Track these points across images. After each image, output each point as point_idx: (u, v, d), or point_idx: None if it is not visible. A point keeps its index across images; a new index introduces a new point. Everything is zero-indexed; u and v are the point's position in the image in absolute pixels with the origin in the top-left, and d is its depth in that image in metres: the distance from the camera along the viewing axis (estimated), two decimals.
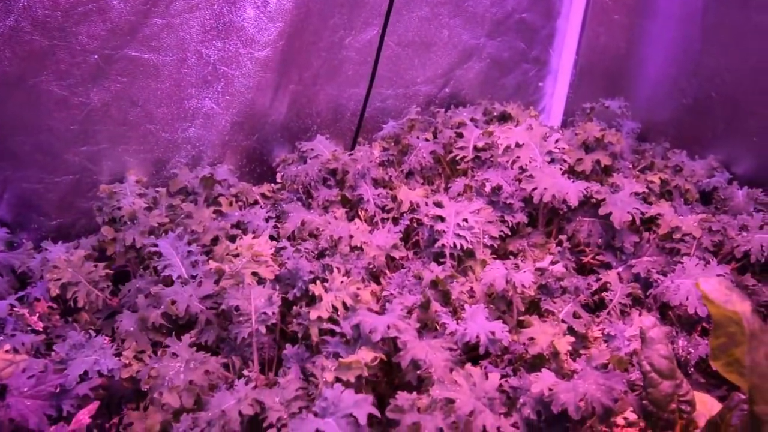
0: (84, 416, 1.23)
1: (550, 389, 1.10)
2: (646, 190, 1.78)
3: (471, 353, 1.32)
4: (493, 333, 1.21)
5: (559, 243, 1.65)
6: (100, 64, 1.72)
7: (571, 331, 1.37)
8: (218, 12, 1.81)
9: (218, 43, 1.85)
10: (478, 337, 1.21)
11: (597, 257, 1.68)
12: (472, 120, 2.08)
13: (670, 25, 2.16)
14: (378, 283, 1.56)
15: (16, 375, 1.27)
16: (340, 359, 1.17)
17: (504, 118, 2.16)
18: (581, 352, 1.34)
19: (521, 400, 1.13)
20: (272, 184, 1.97)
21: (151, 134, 1.86)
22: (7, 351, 1.32)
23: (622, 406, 1.15)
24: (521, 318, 1.35)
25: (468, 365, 1.17)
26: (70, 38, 1.66)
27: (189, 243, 1.54)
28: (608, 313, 1.50)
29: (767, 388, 0.82)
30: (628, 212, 1.60)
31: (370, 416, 1.04)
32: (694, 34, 2.10)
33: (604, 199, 1.63)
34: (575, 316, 1.43)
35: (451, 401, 1.09)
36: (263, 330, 1.32)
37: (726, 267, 1.48)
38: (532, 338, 1.23)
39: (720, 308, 0.82)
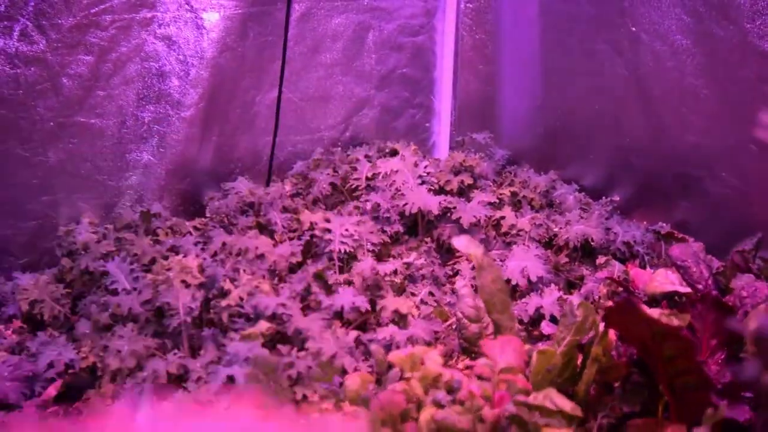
0: (52, 390, 1.62)
1: (390, 335, 1.54)
2: (497, 200, 2.27)
3: (346, 325, 1.75)
4: (354, 303, 1.65)
5: (426, 244, 2.11)
6: (55, 129, 2.16)
7: (424, 303, 1.82)
8: (149, 83, 2.27)
9: (151, 107, 2.30)
10: (343, 306, 1.65)
11: (457, 254, 2.15)
12: (366, 157, 2.56)
13: (518, 71, 2.70)
14: (282, 281, 1.99)
15: None
16: (241, 332, 1.60)
17: (394, 153, 2.65)
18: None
19: (372, 347, 1.56)
20: (203, 219, 2.40)
21: (100, 184, 2.29)
22: None
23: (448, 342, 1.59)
24: (384, 295, 1.80)
25: (335, 326, 1.61)
26: (30, 110, 2.10)
27: (131, 263, 1.96)
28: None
29: (496, 302, 1.28)
30: (474, 216, 2.08)
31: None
32: (537, 78, 2.64)
33: (455, 207, 2.11)
34: (430, 294, 1.89)
35: (320, 349, 1.52)
36: (189, 320, 1.74)
37: (541, 249, 1.97)
38: (383, 307, 1.68)
39: (466, 254, 1.29)
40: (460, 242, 1.28)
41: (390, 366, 1.31)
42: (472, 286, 1.93)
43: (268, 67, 2.48)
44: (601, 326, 1.26)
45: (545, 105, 2.66)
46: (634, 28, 2.20)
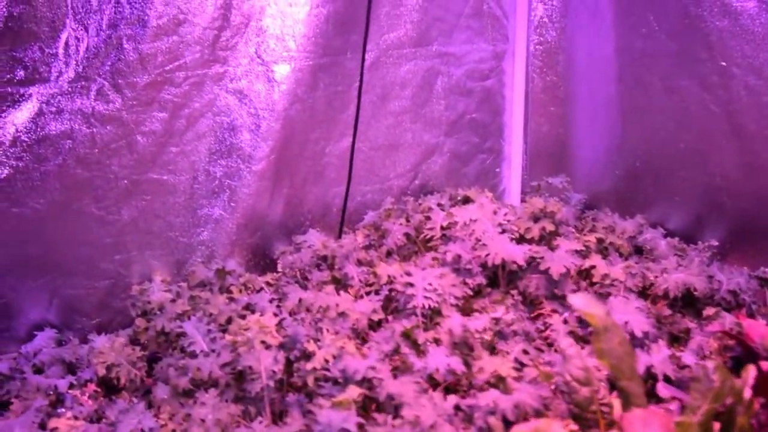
0: None
1: (494, 402, 1.42)
2: (584, 248, 2.14)
3: (440, 387, 1.64)
4: (449, 365, 1.54)
5: (512, 297, 1.99)
6: (128, 187, 2.14)
7: (519, 363, 1.70)
8: (221, 137, 2.25)
9: (222, 162, 2.27)
10: (437, 369, 1.54)
11: (546, 306, 2.02)
12: (438, 205, 2.47)
13: (594, 111, 2.60)
14: (364, 341, 1.89)
15: None
16: (332, 399, 1.50)
17: (466, 200, 2.55)
18: None
19: (475, 415, 1.44)
20: (275, 273, 2.34)
21: (172, 240, 2.25)
22: (68, 418, 1.65)
23: (556, 408, 1.45)
24: (475, 355, 1.68)
25: (431, 391, 1.50)
26: (104, 169, 2.09)
27: (208, 324, 1.89)
28: (555, 350, 1.83)
29: (624, 368, 1.15)
30: (564, 266, 1.95)
31: None
32: (616, 117, 2.53)
33: (543, 257, 1.99)
34: (524, 352, 1.76)
35: (417, 417, 1.41)
36: (272, 384, 1.65)
37: (642, 301, 1.82)
38: (481, 368, 1.56)
39: (585, 314, 1.17)
40: (579, 302, 1.17)
41: None
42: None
43: (338, 117, 2.44)
44: (747, 392, 1.12)
45: (624, 146, 2.54)
46: (724, 63, 2.08)
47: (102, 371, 1.84)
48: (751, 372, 1.13)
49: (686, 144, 2.32)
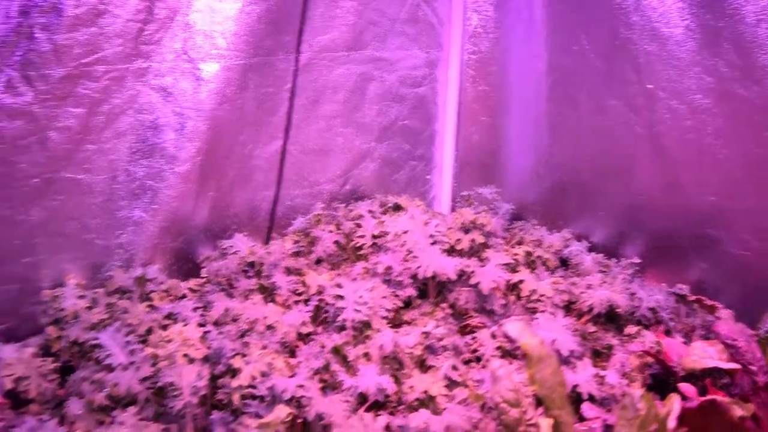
0: None
1: (425, 423, 1.41)
2: (513, 261, 2.17)
3: (371, 405, 1.61)
4: (379, 384, 1.52)
5: (442, 310, 1.99)
6: (39, 186, 1.99)
7: (448, 380, 1.69)
8: (143, 136, 2.13)
9: (144, 162, 2.15)
10: (367, 388, 1.51)
11: (475, 320, 2.03)
12: (369, 212, 2.44)
13: (524, 124, 2.64)
14: (293, 355, 1.84)
15: None
16: (259, 419, 1.44)
17: (397, 208, 2.53)
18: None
19: None
20: (199, 279, 2.24)
21: (87, 243, 2.12)
22: None
23: (485, 429, 1.46)
24: (405, 372, 1.67)
25: (361, 411, 1.47)
26: (13, 166, 1.93)
27: (126, 334, 1.79)
28: (483, 366, 1.84)
29: (555, 398, 1.16)
30: (493, 280, 1.97)
31: None
32: (543, 131, 2.57)
33: (473, 271, 2.00)
34: (454, 368, 1.76)
35: None
36: (195, 401, 1.58)
37: (569, 318, 1.86)
38: (411, 387, 1.54)
39: (520, 343, 1.17)
40: (515, 330, 1.17)
41: None
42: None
43: (268, 119, 2.37)
44: (672, 423, 1.15)
45: (552, 160, 2.59)
46: (650, 86, 2.15)
47: (10, 385, 1.71)
48: (675, 403, 1.16)
49: (612, 162, 2.38)
